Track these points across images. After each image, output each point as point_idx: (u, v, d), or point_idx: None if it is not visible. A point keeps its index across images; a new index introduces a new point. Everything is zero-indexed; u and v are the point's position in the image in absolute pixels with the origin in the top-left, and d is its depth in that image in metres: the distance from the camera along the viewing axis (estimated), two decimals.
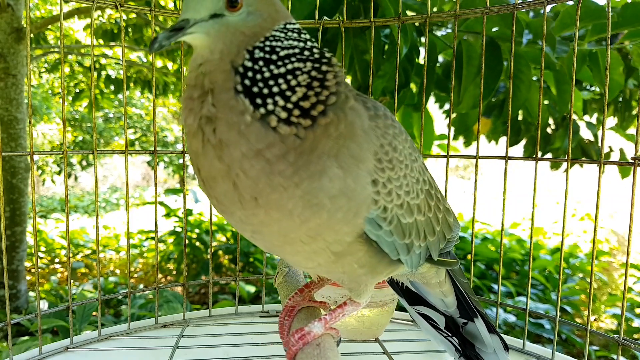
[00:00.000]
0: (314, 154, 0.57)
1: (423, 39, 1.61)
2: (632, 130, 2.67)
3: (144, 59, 5.75)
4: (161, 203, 5.15)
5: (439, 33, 1.91)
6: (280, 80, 0.58)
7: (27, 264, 4.07)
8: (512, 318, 3.51)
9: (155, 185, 1.21)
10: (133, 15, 4.51)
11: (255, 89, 0.58)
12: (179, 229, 4.87)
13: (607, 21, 0.94)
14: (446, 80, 1.86)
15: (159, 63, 5.46)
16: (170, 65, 5.51)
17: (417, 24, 1.58)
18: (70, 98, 5.67)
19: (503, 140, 2.68)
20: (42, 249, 5.77)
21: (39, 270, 1.79)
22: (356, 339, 1.08)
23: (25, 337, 3.02)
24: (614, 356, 3.14)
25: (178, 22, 0.59)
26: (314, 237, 0.62)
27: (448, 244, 0.84)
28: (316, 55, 0.62)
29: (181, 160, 2.99)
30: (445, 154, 1.18)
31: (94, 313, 3.24)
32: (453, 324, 0.94)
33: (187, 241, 1.25)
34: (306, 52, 0.62)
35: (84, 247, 5.95)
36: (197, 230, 4.87)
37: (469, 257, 4.29)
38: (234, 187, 0.59)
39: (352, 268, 0.69)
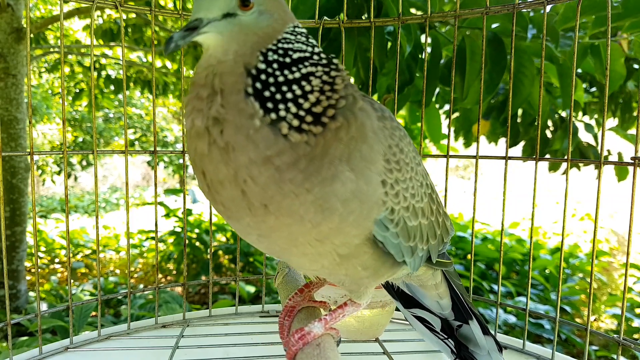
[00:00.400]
0: (325, 159, 0.56)
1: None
2: (632, 131, 2.68)
3: (143, 59, 5.75)
4: (161, 203, 5.15)
5: (442, 29, 1.90)
6: (295, 87, 0.57)
7: (27, 264, 4.06)
8: (512, 318, 3.50)
9: (155, 185, 1.21)
10: (133, 15, 4.50)
11: (267, 93, 0.57)
12: (178, 229, 4.87)
13: (607, 14, 0.93)
14: (451, 75, 1.86)
15: (158, 63, 5.46)
16: (170, 65, 5.51)
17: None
18: (70, 98, 5.67)
19: (502, 141, 2.68)
20: (42, 249, 5.77)
21: (39, 270, 1.79)
22: (356, 339, 1.08)
23: (25, 337, 3.01)
24: (614, 356, 3.14)
25: (191, 22, 0.57)
26: (322, 241, 0.61)
27: (445, 246, 0.84)
28: (324, 61, 0.61)
29: (181, 160, 2.99)
30: (445, 154, 1.18)
31: (94, 313, 3.25)
32: (448, 326, 0.94)
33: (187, 241, 1.25)
34: (315, 57, 0.61)
35: (84, 247, 5.95)
36: (197, 230, 4.87)
37: (469, 257, 4.29)
38: (242, 194, 0.57)
39: (355, 270, 0.68)
